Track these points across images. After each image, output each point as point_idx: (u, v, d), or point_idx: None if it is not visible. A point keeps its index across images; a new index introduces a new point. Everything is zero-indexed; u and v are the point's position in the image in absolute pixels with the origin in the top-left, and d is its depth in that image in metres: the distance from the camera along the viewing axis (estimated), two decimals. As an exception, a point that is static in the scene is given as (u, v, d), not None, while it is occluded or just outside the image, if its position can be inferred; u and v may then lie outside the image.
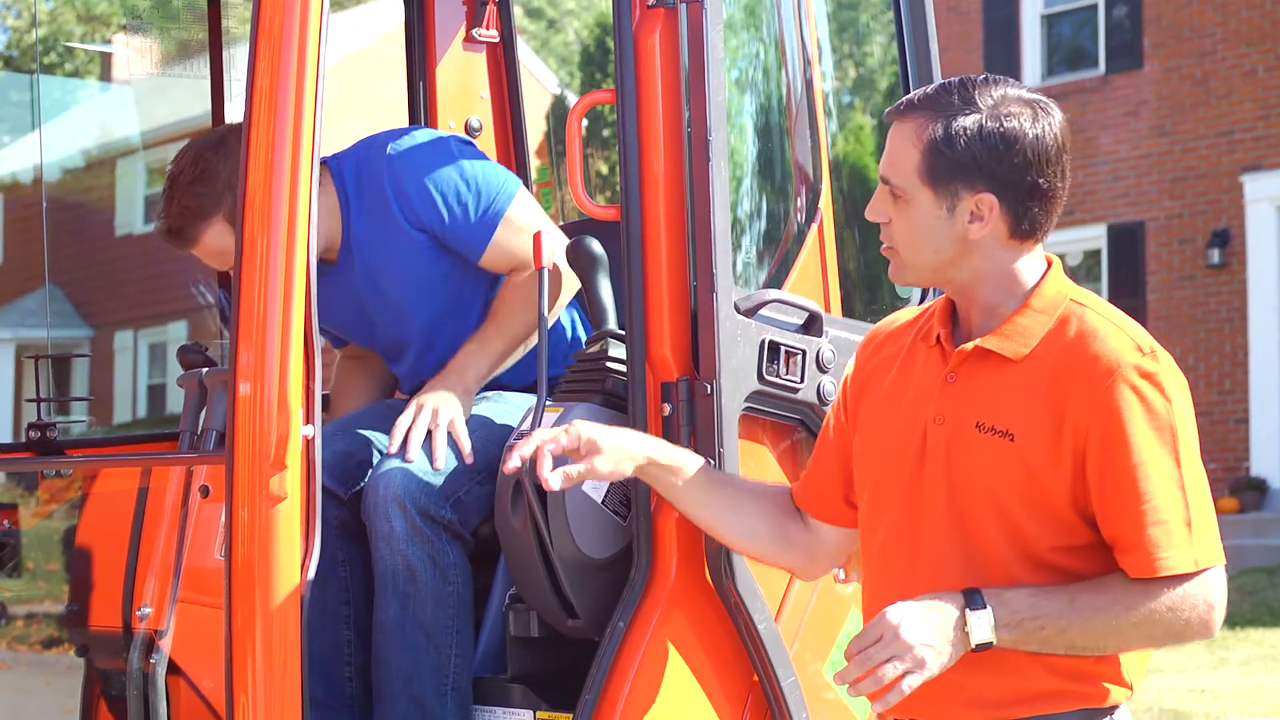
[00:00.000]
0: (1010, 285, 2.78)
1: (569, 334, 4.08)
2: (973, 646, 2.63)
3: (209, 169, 3.74)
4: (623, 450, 3.01)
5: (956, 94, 2.73)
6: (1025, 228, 2.74)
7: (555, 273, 3.75)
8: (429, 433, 3.65)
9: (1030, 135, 2.70)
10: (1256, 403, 16.64)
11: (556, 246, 3.72)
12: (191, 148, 3.80)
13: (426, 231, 3.80)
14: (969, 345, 2.78)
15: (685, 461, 3.07)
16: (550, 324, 3.81)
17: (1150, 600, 2.65)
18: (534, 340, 3.79)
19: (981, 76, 2.77)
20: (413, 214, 3.78)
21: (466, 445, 3.66)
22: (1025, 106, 2.72)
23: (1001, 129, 2.69)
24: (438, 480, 3.62)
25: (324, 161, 3.84)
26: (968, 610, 2.63)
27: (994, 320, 2.78)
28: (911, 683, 2.60)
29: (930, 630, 2.62)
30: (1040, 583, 2.69)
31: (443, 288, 3.89)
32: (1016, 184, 2.71)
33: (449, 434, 3.66)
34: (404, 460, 3.61)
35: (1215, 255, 16.90)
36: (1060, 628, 2.64)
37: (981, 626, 2.63)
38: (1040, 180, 2.72)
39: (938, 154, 2.71)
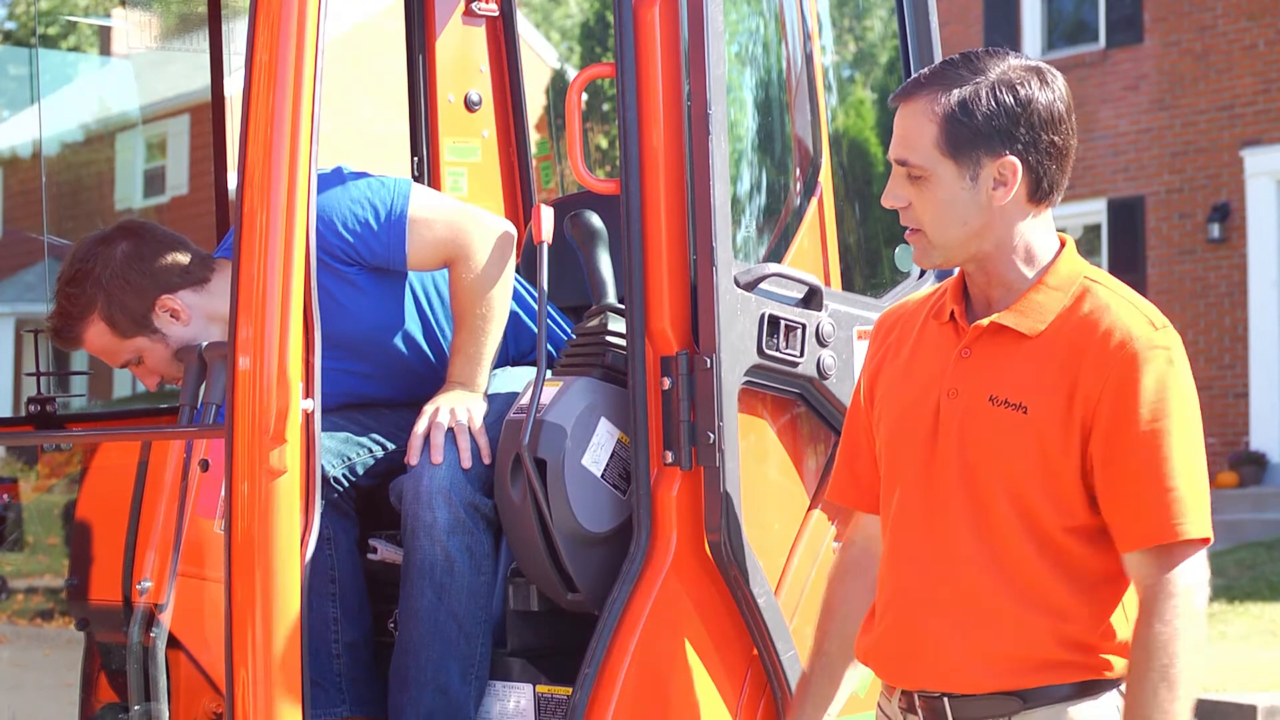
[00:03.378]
0: (1028, 258, 2.81)
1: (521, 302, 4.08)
2: None
3: (83, 269, 3.74)
4: None
5: (962, 67, 2.76)
6: (1045, 187, 2.78)
7: (505, 242, 3.77)
8: (451, 432, 3.63)
9: (1042, 98, 2.75)
10: (1256, 377, 16.64)
11: (485, 219, 3.75)
12: (75, 247, 3.80)
13: (355, 264, 3.76)
14: (985, 321, 2.80)
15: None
16: (505, 296, 3.80)
17: (1175, 591, 2.66)
18: (504, 321, 3.80)
19: (981, 49, 2.81)
20: (331, 252, 3.72)
21: (484, 441, 3.65)
22: (1030, 73, 2.77)
23: (1015, 93, 2.73)
24: (480, 470, 3.63)
25: None
26: None
27: (1011, 296, 2.81)
28: None
29: None
30: (1045, 559, 2.72)
31: (400, 298, 3.88)
32: (1035, 144, 2.74)
33: (469, 431, 3.64)
34: (431, 463, 3.60)
35: (1215, 230, 16.89)
36: (1169, 686, 2.65)
37: None
38: (1056, 138, 2.76)
39: (956, 124, 2.73)
